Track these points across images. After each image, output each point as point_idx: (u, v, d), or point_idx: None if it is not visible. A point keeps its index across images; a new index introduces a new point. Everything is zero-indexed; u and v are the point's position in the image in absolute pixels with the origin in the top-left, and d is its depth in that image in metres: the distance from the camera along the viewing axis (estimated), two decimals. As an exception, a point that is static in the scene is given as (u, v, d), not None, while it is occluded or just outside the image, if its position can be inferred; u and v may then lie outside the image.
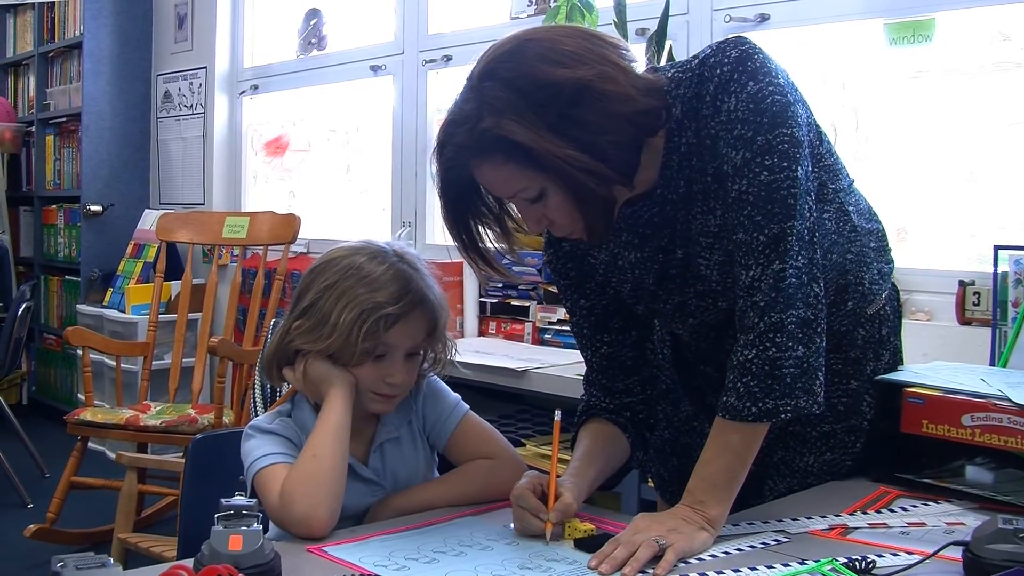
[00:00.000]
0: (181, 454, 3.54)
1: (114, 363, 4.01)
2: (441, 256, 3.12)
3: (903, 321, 1.65)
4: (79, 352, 3.97)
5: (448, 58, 3.91)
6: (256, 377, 3.17)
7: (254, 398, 3.07)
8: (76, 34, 5.44)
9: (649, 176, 1.42)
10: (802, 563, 1.22)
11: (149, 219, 5.03)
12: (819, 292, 1.36)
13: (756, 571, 1.21)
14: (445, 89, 3.94)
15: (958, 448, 1.53)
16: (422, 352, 1.56)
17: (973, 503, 1.46)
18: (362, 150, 4.48)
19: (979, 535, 1.16)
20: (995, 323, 2.07)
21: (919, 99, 2.64)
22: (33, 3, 5.81)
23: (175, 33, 5.29)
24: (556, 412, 1.43)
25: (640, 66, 1.39)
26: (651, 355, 1.63)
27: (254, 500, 1.19)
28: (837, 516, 1.41)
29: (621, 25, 2.76)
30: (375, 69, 4.23)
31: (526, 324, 3.32)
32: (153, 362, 3.94)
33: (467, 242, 1.44)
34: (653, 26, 2.73)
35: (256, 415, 2.82)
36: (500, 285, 3.37)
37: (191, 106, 5.17)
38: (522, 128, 1.29)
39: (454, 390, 1.66)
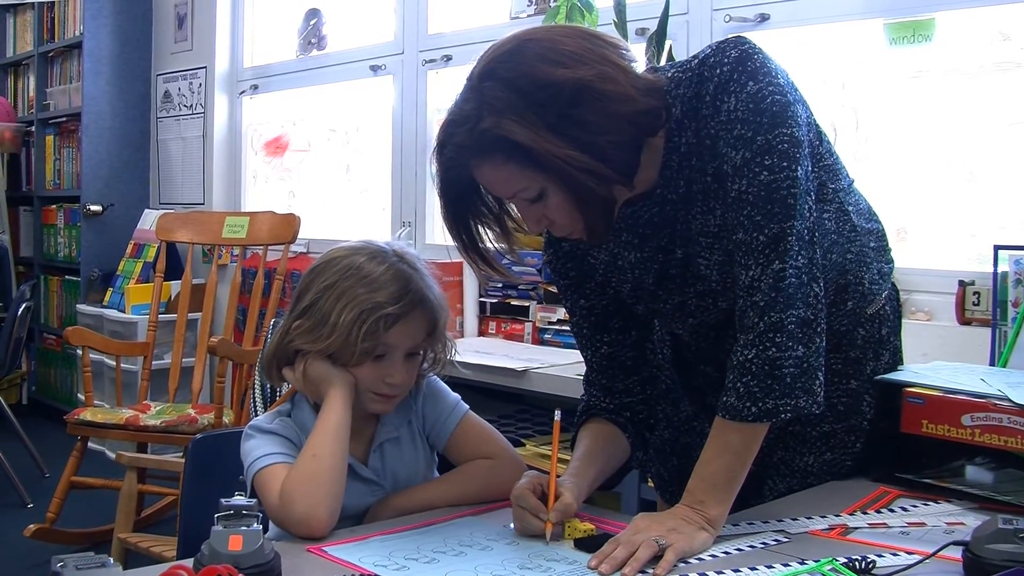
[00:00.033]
0: (181, 454, 3.54)
1: (114, 363, 4.01)
2: (441, 256, 3.13)
3: (903, 321, 1.65)
4: (79, 352, 3.97)
5: (448, 58, 3.91)
6: (256, 377, 3.17)
7: (254, 398, 3.07)
8: (76, 34, 5.44)
9: (649, 176, 1.42)
10: (802, 563, 1.22)
11: (149, 219, 5.03)
12: (819, 292, 1.36)
13: (756, 571, 1.21)
14: (445, 89, 3.94)
15: (958, 448, 1.53)
16: (422, 352, 1.56)
17: (973, 503, 1.46)
18: (362, 150, 4.48)
19: (979, 535, 1.16)
20: (995, 323, 2.07)
21: (919, 99, 2.64)
22: (33, 3, 5.81)
23: (175, 33, 5.29)
24: (556, 412, 1.43)
25: (640, 66, 1.39)
26: (651, 355, 1.63)
27: (254, 500, 1.19)
28: (837, 516, 1.41)
29: (621, 25, 2.76)
30: (375, 69, 4.23)
31: (526, 324, 3.32)
32: (153, 362, 3.94)
33: (467, 242, 1.44)
34: (653, 26, 2.73)
35: (256, 415, 2.82)
36: (500, 285, 3.37)
37: (191, 106, 5.17)
38: (522, 128, 1.29)
39: (454, 390, 1.66)
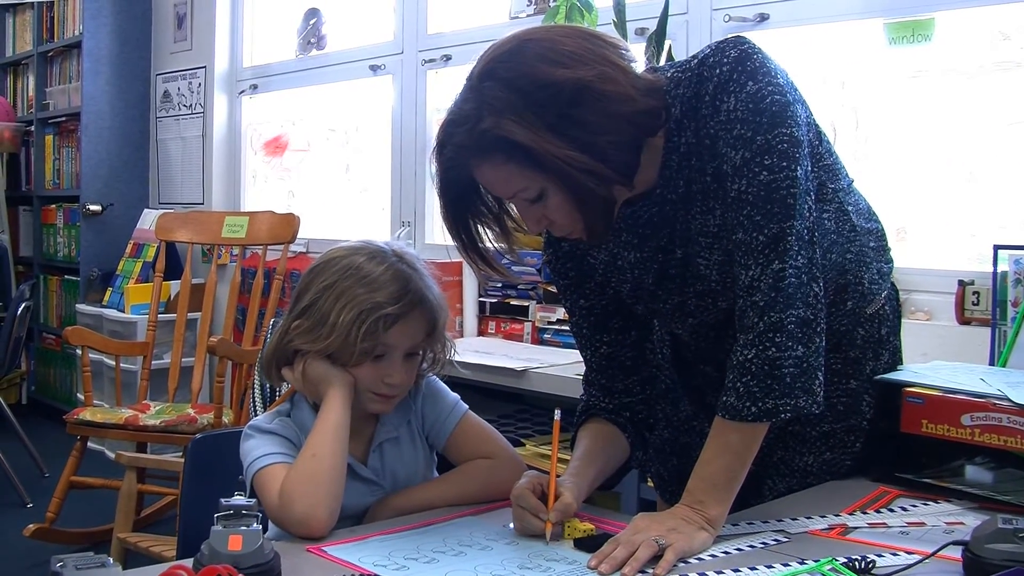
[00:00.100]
0: (180, 454, 3.54)
1: (113, 363, 4.01)
2: (440, 256, 3.13)
3: (902, 321, 1.65)
4: (78, 352, 3.97)
5: (447, 58, 3.91)
6: (255, 377, 3.17)
7: (253, 398, 3.07)
8: (75, 33, 5.44)
9: (649, 176, 1.42)
10: (802, 563, 1.22)
11: (148, 219, 5.03)
12: (819, 292, 1.36)
13: (756, 571, 1.21)
14: (444, 89, 3.94)
15: (958, 448, 1.53)
16: (421, 352, 1.56)
17: (973, 503, 1.46)
18: (361, 150, 4.48)
19: (979, 535, 1.16)
20: (994, 323, 2.07)
21: (919, 99, 2.64)
22: (32, 3, 5.81)
23: (174, 32, 5.29)
24: (556, 412, 1.43)
25: (639, 66, 1.39)
26: (650, 355, 1.63)
27: (253, 500, 1.19)
28: (837, 516, 1.41)
29: (620, 25, 2.76)
30: (374, 69, 4.23)
31: (525, 324, 3.32)
32: (152, 362, 3.94)
33: (466, 242, 1.44)
34: (652, 26, 2.73)
35: (255, 415, 2.82)
36: (499, 285, 3.37)
37: (190, 106, 5.17)
38: (522, 128, 1.29)
39: (453, 390, 1.66)
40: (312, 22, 4.64)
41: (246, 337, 3.89)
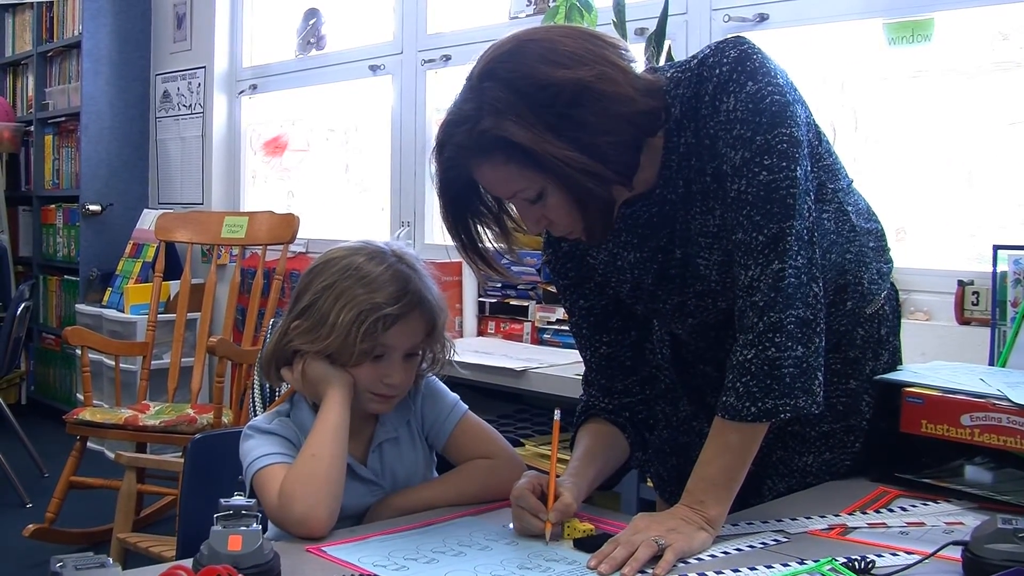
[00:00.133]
0: (180, 454, 3.54)
1: (113, 363, 4.00)
2: (440, 256, 3.13)
3: (902, 321, 1.65)
4: (78, 352, 3.96)
5: (447, 58, 3.91)
6: (255, 377, 3.17)
7: (253, 398, 3.07)
8: (75, 34, 5.44)
9: (648, 176, 1.42)
10: (801, 563, 1.22)
11: (148, 219, 5.03)
12: (818, 292, 1.36)
13: (755, 571, 1.21)
14: (444, 89, 3.94)
15: (957, 448, 1.53)
16: (420, 352, 1.56)
17: (972, 503, 1.46)
18: (361, 150, 4.48)
19: (978, 535, 1.16)
20: (994, 323, 2.07)
21: (918, 99, 2.64)
22: (32, 3, 5.81)
23: (174, 33, 5.29)
24: (556, 412, 1.43)
25: (639, 66, 1.39)
26: (650, 355, 1.63)
27: (253, 500, 1.19)
28: (836, 516, 1.41)
29: (620, 25, 2.76)
30: (374, 69, 4.23)
31: (525, 324, 3.32)
32: (152, 362, 3.94)
33: (466, 242, 1.44)
34: (652, 26, 2.73)
35: (255, 415, 2.82)
36: (499, 285, 3.37)
37: (190, 106, 5.17)
38: (522, 129, 1.29)
39: (453, 390, 1.66)
40: (312, 22, 4.64)
41: (245, 337, 3.89)
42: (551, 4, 3.12)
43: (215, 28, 5.03)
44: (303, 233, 3.98)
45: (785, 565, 1.22)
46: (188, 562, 1.15)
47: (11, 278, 5.51)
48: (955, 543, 1.20)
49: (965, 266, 2.49)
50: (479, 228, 1.44)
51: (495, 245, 1.46)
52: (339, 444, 1.45)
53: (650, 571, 1.23)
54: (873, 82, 2.72)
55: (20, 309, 4.40)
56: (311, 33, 4.63)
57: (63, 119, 5.61)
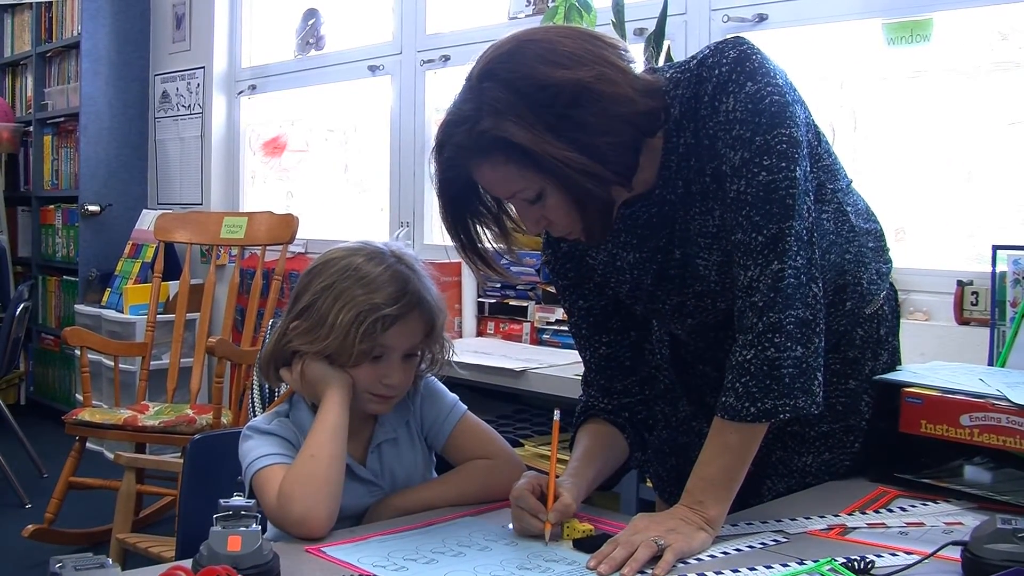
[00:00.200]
0: (179, 454, 3.54)
1: (112, 363, 4.00)
2: (439, 256, 3.12)
3: (901, 321, 1.65)
4: (77, 352, 3.96)
5: (446, 58, 3.91)
6: (254, 377, 3.17)
7: (252, 398, 3.07)
8: (74, 34, 5.44)
9: (647, 177, 1.42)
10: (801, 563, 1.22)
11: (147, 219, 5.03)
12: (818, 292, 1.36)
13: (755, 571, 1.21)
14: (443, 89, 3.94)
15: (956, 448, 1.53)
16: (419, 353, 1.56)
17: (972, 503, 1.46)
18: (360, 150, 4.48)
19: (978, 535, 1.16)
20: (993, 323, 2.07)
21: (917, 99, 2.64)
22: (31, 3, 5.81)
23: (173, 33, 5.29)
24: (555, 412, 1.43)
25: (638, 66, 1.39)
26: (649, 355, 1.63)
27: (253, 500, 1.19)
28: (836, 516, 1.41)
29: (619, 25, 2.76)
30: (373, 69, 4.23)
31: (524, 324, 3.32)
32: (151, 362, 3.94)
33: (465, 242, 1.44)
34: (651, 26, 2.73)
35: (254, 415, 2.82)
36: (498, 285, 3.37)
37: (189, 106, 5.17)
38: (521, 129, 1.29)
39: (452, 390, 1.66)
40: (311, 22, 4.64)
41: (245, 337, 3.89)
42: (550, 4, 3.12)
43: (214, 28, 5.02)
44: (302, 233, 3.98)
45: (785, 565, 1.22)
46: (187, 563, 1.15)
47: (10, 278, 5.51)
48: (954, 543, 1.20)
49: (964, 266, 2.50)
50: (478, 228, 1.44)
51: (494, 245, 1.46)
52: (338, 444, 1.45)
53: (650, 571, 1.23)
54: (872, 82, 2.72)
55: (19, 309, 4.40)
56: (310, 33, 4.63)
57: (62, 119, 5.61)
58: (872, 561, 1.20)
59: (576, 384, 1.69)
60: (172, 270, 4.42)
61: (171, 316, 4.15)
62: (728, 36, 1.40)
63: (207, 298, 3.98)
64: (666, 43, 2.70)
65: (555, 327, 3.21)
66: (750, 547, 1.30)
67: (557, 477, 1.40)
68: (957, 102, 2.56)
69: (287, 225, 3.88)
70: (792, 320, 1.33)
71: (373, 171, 4.34)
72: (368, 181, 4.41)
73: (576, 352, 1.67)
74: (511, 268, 1.55)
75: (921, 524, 1.38)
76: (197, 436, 1.78)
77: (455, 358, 1.62)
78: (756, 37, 1.42)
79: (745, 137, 1.33)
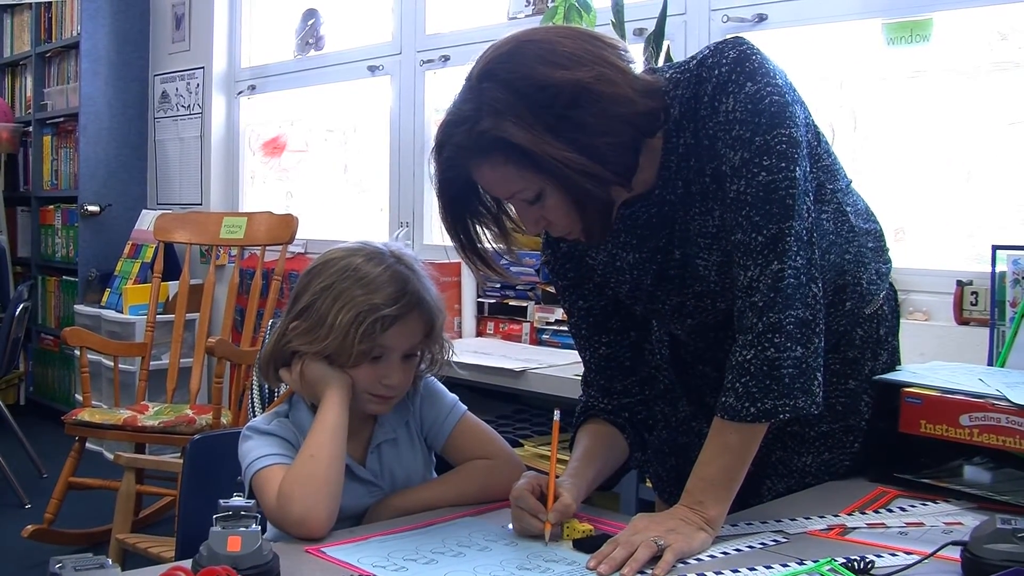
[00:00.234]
0: (179, 454, 3.54)
1: (112, 363, 4.00)
2: (439, 256, 3.12)
3: (901, 321, 1.65)
4: (77, 352, 3.96)
5: (446, 58, 3.91)
6: (254, 377, 3.17)
7: (252, 398, 3.07)
8: (73, 34, 5.43)
9: (647, 177, 1.42)
10: (801, 563, 1.22)
11: (146, 219, 5.03)
12: (817, 292, 1.36)
13: (755, 571, 1.21)
14: (443, 89, 3.94)
15: (956, 448, 1.53)
16: (419, 353, 1.56)
17: (971, 503, 1.46)
18: (360, 150, 4.48)
19: (977, 535, 1.16)
20: (993, 323, 2.07)
21: (917, 99, 2.64)
22: (30, 3, 5.81)
23: (172, 33, 5.29)
24: (555, 412, 1.43)
25: (638, 67, 1.39)
26: (649, 355, 1.63)
27: (252, 501, 1.19)
28: (835, 516, 1.41)
29: (619, 25, 2.76)
30: (373, 69, 4.23)
31: (524, 324, 3.32)
32: (151, 362, 3.94)
33: (465, 242, 1.44)
34: (651, 26, 2.73)
35: (254, 415, 2.82)
36: (498, 285, 3.37)
37: (188, 106, 5.17)
38: (521, 130, 1.29)
39: (451, 390, 1.66)
40: (310, 23, 4.64)
41: (244, 338, 3.89)
42: (550, 4, 3.12)
43: (214, 28, 5.02)
44: (302, 234, 3.98)
45: (784, 565, 1.22)
46: (187, 563, 1.15)
47: (10, 279, 5.51)
48: (954, 543, 1.20)
49: (964, 266, 2.50)
50: (478, 228, 1.44)
51: (494, 245, 1.46)
52: (338, 444, 1.45)
53: (649, 572, 1.23)
54: (872, 82, 2.72)
55: (19, 310, 4.40)
56: (310, 34, 4.63)
57: (61, 119, 5.61)
58: (872, 561, 1.20)
59: (576, 384, 1.69)
60: (172, 270, 4.42)
61: (171, 316, 4.15)
62: (728, 36, 1.40)
63: (207, 298, 3.98)
64: (665, 43, 2.70)
65: (555, 327, 3.21)
66: (750, 547, 1.30)
67: (557, 477, 1.40)
68: (957, 102, 2.56)
69: (287, 225, 3.88)
70: (792, 320, 1.33)
71: (373, 171, 4.34)
72: (368, 181, 4.41)
73: (576, 352, 1.67)
74: (511, 268, 1.55)
75: (921, 524, 1.38)
76: (197, 436, 1.78)
77: (455, 358, 1.62)
78: (756, 37, 1.42)
79: (745, 137, 1.33)
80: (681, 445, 1.67)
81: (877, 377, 1.56)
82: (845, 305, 1.51)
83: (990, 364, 1.97)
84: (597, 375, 1.61)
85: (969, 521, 1.37)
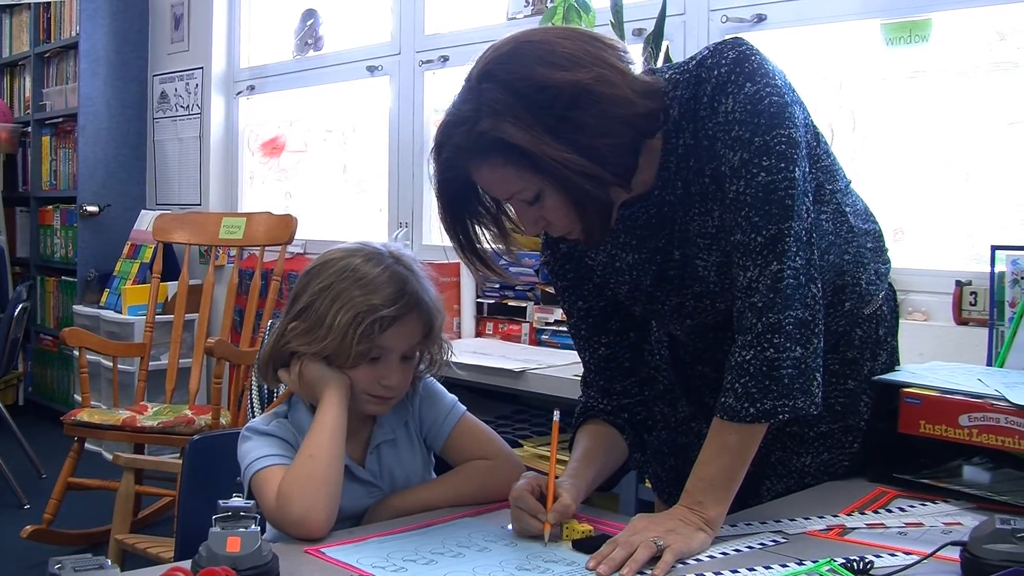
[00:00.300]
0: (178, 455, 3.54)
1: (111, 364, 4.00)
2: (438, 257, 3.12)
3: (900, 321, 1.65)
4: (76, 353, 3.96)
5: (445, 59, 3.91)
6: (253, 378, 3.17)
7: (251, 399, 3.07)
8: (72, 34, 5.43)
9: (647, 177, 1.42)
10: (800, 564, 1.22)
11: (145, 220, 5.03)
12: (817, 293, 1.36)
13: (754, 572, 1.21)
14: (442, 89, 3.94)
15: (955, 448, 1.53)
16: (418, 354, 1.56)
17: (970, 503, 1.46)
18: (359, 151, 4.48)
19: (977, 535, 1.16)
20: (992, 323, 2.07)
21: (916, 99, 2.64)
22: (29, 3, 5.80)
23: (171, 33, 5.29)
24: (555, 412, 1.43)
25: (637, 67, 1.39)
26: (649, 356, 1.63)
27: (252, 501, 1.19)
28: (835, 516, 1.41)
29: (618, 26, 2.76)
30: (372, 70, 4.23)
31: (523, 325, 3.32)
32: (150, 363, 3.94)
33: (464, 242, 1.44)
34: (650, 26, 2.73)
35: (253, 416, 2.82)
36: (497, 286, 3.37)
37: (187, 107, 5.17)
38: (520, 131, 1.29)
39: (451, 391, 1.66)
40: (309, 23, 4.64)
41: (243, 338, 3.89)
42: (549, 5, 3.12)
43: (212, 29, 5.02)
44: (301, 234, 3.98)
45: (784, 566, 1.22)
46: (187, 563, 1.15)
47: (8, 279, 5.50)
48: (953, 543, 1.20)
49: (963, 266, 2.50)
50: (477, 229, 1.44)
51: (493, 246, 1.46)
52: (337, 445, 1.45)
53: (649, 572, 1.23)
54: (871, 82, 2.72)
55: (18, 310, 4.40)
56: (309, 34, 4.63)
57: (60, 120, 5.61)
58: (871, 561, 1.20)
59: (575, 385, 1.69)
60: (171, 270, 4.41)
61: (170, 317, 4.15)
62: (727, 37, 1.40)
63: (206, 299, 3.98)
64: (665, 44, 2.70)
65: (554, 327, 3.21)
66: (749, 547, 1.30)
67: (556, 478, 1.40)
68: (956, 102, 2.56)
69: (286, 226, 3.88)
70: (791, 321, 1.33)
71: (372, 172, 4.34)
72: (367, 182, 4.41)
73: (575, 353, 1.67)
74: (510, 268, 1.55)
75: (920, 524, 1.38)
76: (196, 437, 1.78)
77: (454, 359, 1.62)
78: (755, 37, 1.43)
79: (744, 138, 1.33)
80: (680, 445, 1.67)
81: (876, 377, 1.56)
82: (844, 305, 1.51)
83: (989, 364, 1.97)
84: (596, 376, 1.61)
85: (968, 521, 1.37)
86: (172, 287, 4.53)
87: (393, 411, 1.57)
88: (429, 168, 1.39)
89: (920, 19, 2.57)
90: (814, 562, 1.20)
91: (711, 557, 1.28)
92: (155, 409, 3.67)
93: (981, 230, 2.52)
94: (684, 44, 3.04)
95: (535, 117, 1.29)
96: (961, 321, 2.34)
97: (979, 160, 2.54)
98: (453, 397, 1.64)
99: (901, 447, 1.58)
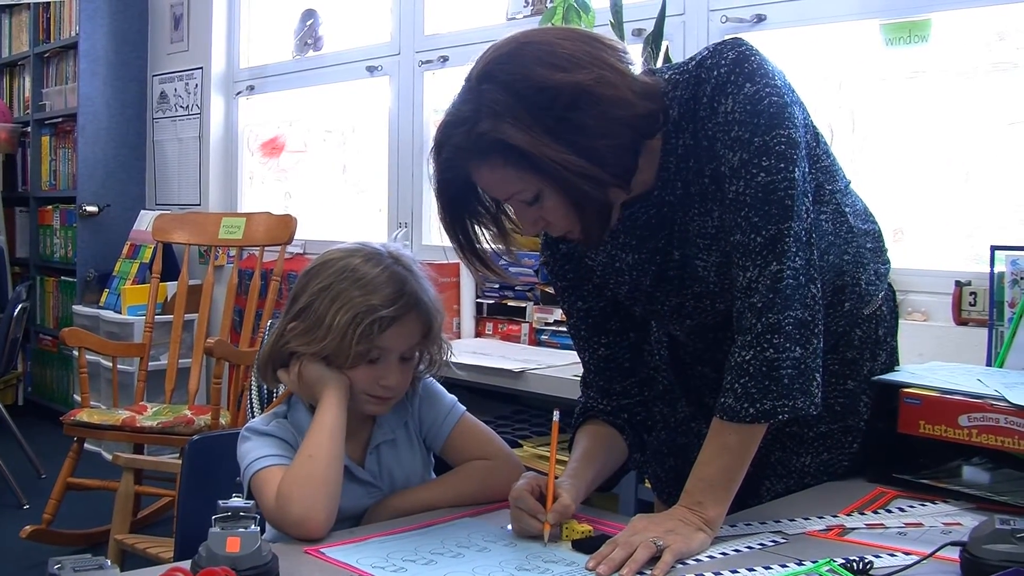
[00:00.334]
0: (178, 455, 3.54)
1: (110, 364, 4.00)
2: (437, 257, 3.13)
3: (900, 321, 1.65)
4: (75, 353, 3.96)
5: (444, 59, 3.91)
6: (252, 378, 3.17)
7: (251, 399, 3.07)
8: (72, 34, 5.43)
9: (646, 178, 1.42)
10: (800, 564, 1.22)
11: (145, 220, 5.03)
12: (816, 293, 1.36)
13: (754, 572, 1.21)
14: (441, 90, 3.94)
15: (955, 448, 1.53)
16: (417, 354, 1.56)
17: (970, 503, 1.46)
18: (358, 151, 4.48)
19: (976, 535, 1.16)
20: (992, 323, 2.07)
21: (916, 99, 2.64)
22: (29, 3, 5.80)
23: (171, 33, 5.29)
24: (555, 412, 1.43)
25: (637, 68, 1.39)
26: (648, 356, 1.63)
27: (251, 502, 1.19)
28: (834, 517, 1.41)
29: (617, 26, 2.76)
30: (371, 70, 4.23)
31: (523, 325, 3.32)
32: (149, 363, 3.94)
33: (464, 243, 1.44)
34: (649, 27, 2.73)
35: (253, 416, 2.82)
36: (497, 286, 3.37)
37: (187, 107, 5.17)
38: (519, 132, 1.29)
39: (450, 391, 1.66)
40: (309, 23, 4.64)
41: (243, 338, 3.89)
42: (549, 5, 3.12)
43: (212, 29, 5.02)
44: (300, 234, 3.98)
45: (783, 566, 1.22)
46: (186, 564, 1.15)
47: (8, 279, 5.50)
48: (953, 544, 1.20)
49: (962, 267, 2.50)
50: (477, 229, 1.44)
51: (493, 246, 1.46)
52: (336, 445, 1.45)
53: (649, 572, 1.23)
54: (870, 83, 2.72)
55: (17, 310, 4.40)
56: (308, 34, 4.63)
57: (60, 120, 5.61)
58: (871, 562, 1.20)
59: (575, 385, 1.69)
60: (170, 271, 4.41)
61: (169, 317, 4.15)
62: (727, 37, 1.40)
63: (205, 299, 3.98)
64: (664, 44, 2.70)
65: (553, 328, 3.21)
66: (749, 548, 1.30)
67: (556, 478, 1.40)
68: (955, 102, 2.56)
69: (285, 226, 3.88)
70: (791, 321, 1.33)
71: (371, 172, 4.34)
72: (366, 182, 4.41)
73: (575, 353, 1.67)
74: (509, 269, 1.55)
75: (920, 524, 1.38)
76: (195, 437, 1.78)
77: (453, 359, 1.62)
78: (754, 38, 1.43)
79: (744, 138, 1.33)
80: (680, 446, 1.67)
81: (876, 378, 1.56)
82: (844, 306, 1.51)
83: (989, 364, 1.97)
84: (596, 376, 1.61)
85: (968, 521, 1.37)
86: (172, 287, 4.53)
87: (393, 411, 1.57)
88: (429, 168, 1.39)
89: (920, 19, 2.57)
90: (814, 562, 1.20)
91: (711, 557, 1.28)
92: (155, 409, 3.67)
93: (981, 230, 2.52)
94: (684, 44, 3.04)
95: (535, 118, 1.29)
96: (961, 321, 2.34)
97: (979, 160, 2.54)
98: (453, 397, 1.64)
99: (901, 447, 1.58)
